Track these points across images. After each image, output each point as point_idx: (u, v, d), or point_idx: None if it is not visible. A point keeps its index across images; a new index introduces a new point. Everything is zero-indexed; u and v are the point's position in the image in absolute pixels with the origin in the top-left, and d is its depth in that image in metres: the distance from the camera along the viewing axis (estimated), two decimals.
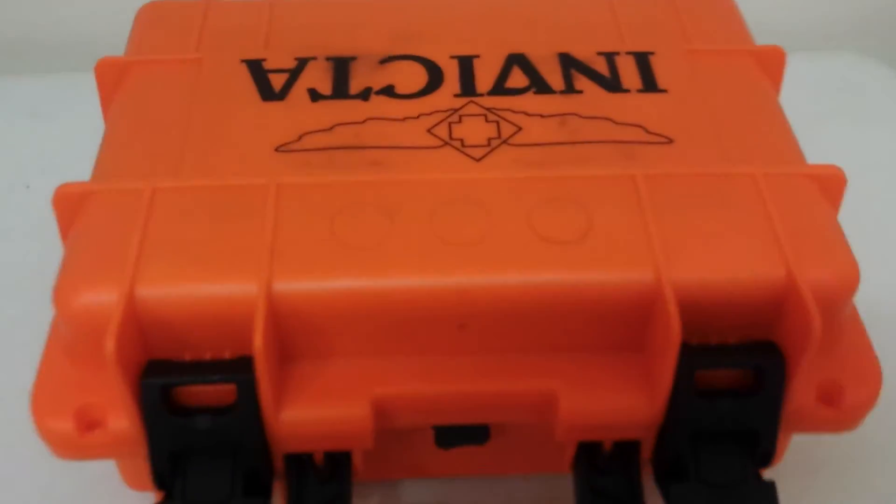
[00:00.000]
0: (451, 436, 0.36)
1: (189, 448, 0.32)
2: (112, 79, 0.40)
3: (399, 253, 0.33)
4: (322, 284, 0.32)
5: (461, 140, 0.37)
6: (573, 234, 0.34)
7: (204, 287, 0.32)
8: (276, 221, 0.34)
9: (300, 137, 0.37)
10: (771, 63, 0.42)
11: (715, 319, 0.34)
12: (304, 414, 0.33)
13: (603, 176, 0.36)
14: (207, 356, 0.33)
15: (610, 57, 0.41)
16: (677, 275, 0.33)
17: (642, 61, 0.41)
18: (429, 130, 0.37)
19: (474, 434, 0.36)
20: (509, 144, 0.37)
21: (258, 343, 0.31)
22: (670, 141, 0.37)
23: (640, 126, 0.38)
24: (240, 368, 0.32)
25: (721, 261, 0.33)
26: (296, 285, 0.32)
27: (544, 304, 0.33)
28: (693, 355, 0.32)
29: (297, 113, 0.38)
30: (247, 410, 0.32)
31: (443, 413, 0.34)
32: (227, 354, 0.33)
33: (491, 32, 0.42)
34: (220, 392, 0.32)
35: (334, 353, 0.34)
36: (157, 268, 0.32)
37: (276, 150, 0.36)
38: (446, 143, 0.37)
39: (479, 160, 0.36)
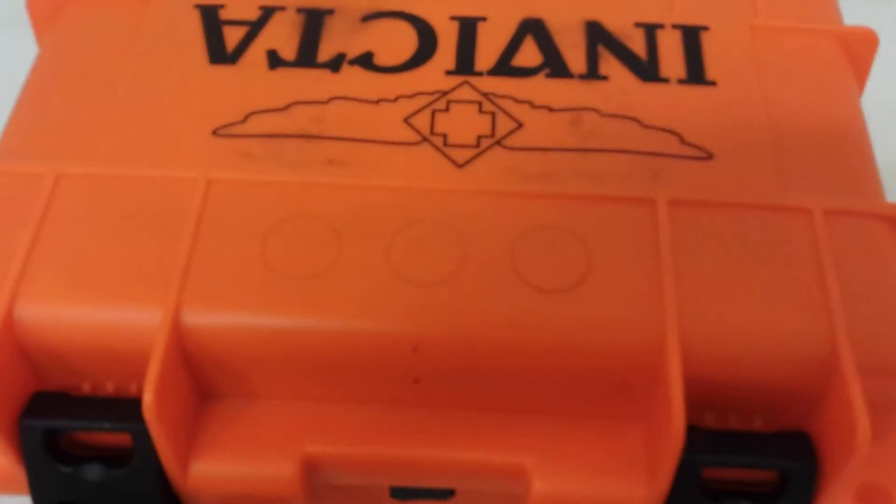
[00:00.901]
0: (409, 493, 0.30)
1: (79, 501, 0.28)
2: (46, 16, 0.34)
3: (343, 288, 0.27)
4: (242, 320, 0.26)
5: (444, 136, 0.30)
6: (565, 280, 0.27)
7: (98, 311, 0.26)
8: (197, 233, 0.27)
9: (246, 118, 0.30)
10: (859, 49, 0.33)
11: (734, 399, 0.27)
12: (219, 469, 0.27)
13: (616, 199, 0.28)
14: (109, 388, 0.28)
15: (650, 31, 0.33)
16: (690, 340, 0.26)
17: (691, 39, 0.33)
18: (406, 120, 0.30)
19: (436, 493, 0.30)
20: (504, 146, 0.30)
21: (148, 399, 0.25)
22: (709, 156, 0.30)
23: (673, 133, 0.30)
24: (135, 413, 0.27)
25: (748, 327, 0.26)
26: (209, 318, 0.26)
27: (520, 364, 0.27)
28: (700, 446, 0.26)
29: (248, 83, 0.31)
30: (144, 462, 0.27)
31: (392, 476, 0.29)
32: (133, 388, 0.28)
33: None
34: (115, 436, 0.27)
35: (261, 394, 0.28)
36: (44, 282, 0.27)
37: (215, 132, 0.30)
38: (425, 140, 0.30)
39: (461, 166, 0.29)
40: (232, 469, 0.27)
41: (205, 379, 0.28)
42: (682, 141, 0.30)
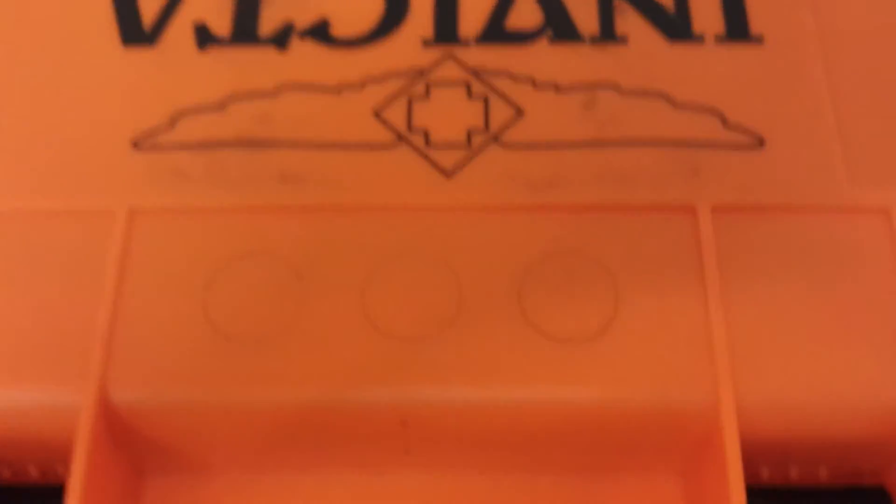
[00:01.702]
0: None
1: None
2: None
3: (309, 352, 0.21)
4: (183, 396, 0.21)
5: (425, 133, 0.24)
6: (588, 325, 0.22)
7: (6, 394, 0.21)
8: (119, 286, 0.22)
9: (174, 121, 0.24)
10: None
11: (796, 452, 0.23)
12: None
13: (647, 208, 0.23)
14: (33, 473, 0.23)
15: None
16: (746, 393, 0.21)
17: None
18: (377, 113, 0.25)
19: None
20: (501, 144, 0.24)
21: (74, 482, 0.20)
22: (759, 143, 0.24)
23: (713, 112, 0.24)
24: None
25: (819, 371, 0.21)
26: (142, 395, 0.21)
27: (535, 428, 0.22)
28: None
29: (173, 70, 0.25)
30: None
31: None
32: (61, 470, 0.23)
33: None
34: None
35: (213, 469, 0.24)
36: None
37: (136, 144, 0.24)
38: (402, 139, 0.24)
39: (450, 174, 0.24)
40: None
41: (143, 457, 0.23)
42: (725, 123, 0.24)
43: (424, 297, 0.22)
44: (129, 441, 0.22)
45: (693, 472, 0.23)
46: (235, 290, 0.22)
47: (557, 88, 0.24)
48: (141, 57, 0.25)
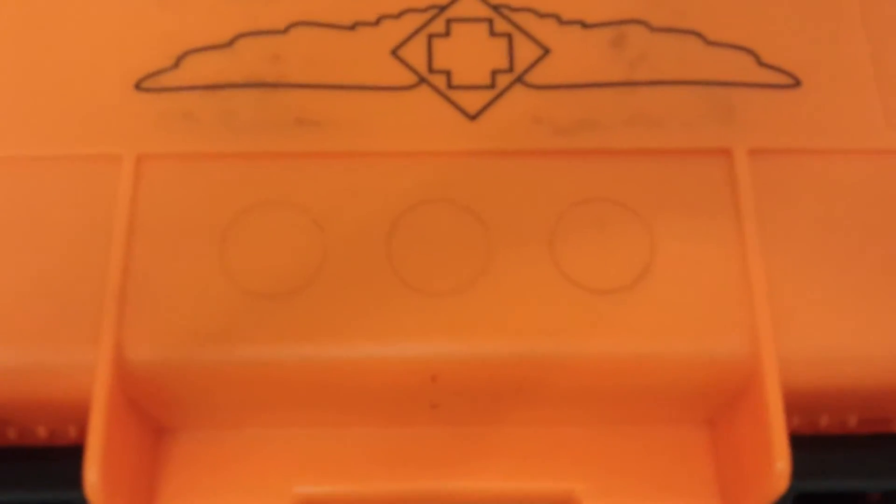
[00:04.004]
0: None
1: None
2: None
3: (333, 306, 0.21)
4: (202, 355, 0.20)
5: (447, 73, 0.23)
6: (623, 274, 0.21)
7: (12, 356, 0.21)
8: (130, 237, 0.21)
9: (178, 61, 0.23)
10: None
11: (833, 403, 0.22)
12: None
13: (680, 152, 0.23)
14: (41, 433, 0.23)
15: None
16: (787, 343, 0.21)
17: None
18: (394, 52, 0.24)
19: None
20: (527, 84, 0.23)
21: (92, 478, 0.19)
22: (795, 83, 0.23)
23: (747, 50, 0.24)
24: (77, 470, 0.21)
25: (862, 318, 0.21)
26: (158, 354, 0.20)
27: (567, 382, 0.22)
28: (806, 467, 0.21)
29: (176, 9, 0.23)
30: None
31: None
32: (71, 432, 0.23)
33: None
34: None
35: (235, 425, 0.23)
36: None
37: (139, 86, 0.23)
38: (422, 81, 0.23)
39: (474, 117, 0.23)
40: None
41: (162, 416, 0.22)
42: (759, 62, 0.24)
43: (452, 247, 0.21)
44: (146, 399, 0.21)
45: (724, 422, 0.23)
46: (254, 242, 0.21)
47: (584, 25, 0.24)
48: None
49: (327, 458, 0.23)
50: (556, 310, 0.21)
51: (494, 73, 0.23)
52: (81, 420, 0.21)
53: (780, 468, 0.20)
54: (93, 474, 0.19)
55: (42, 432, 0.23)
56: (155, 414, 0.22)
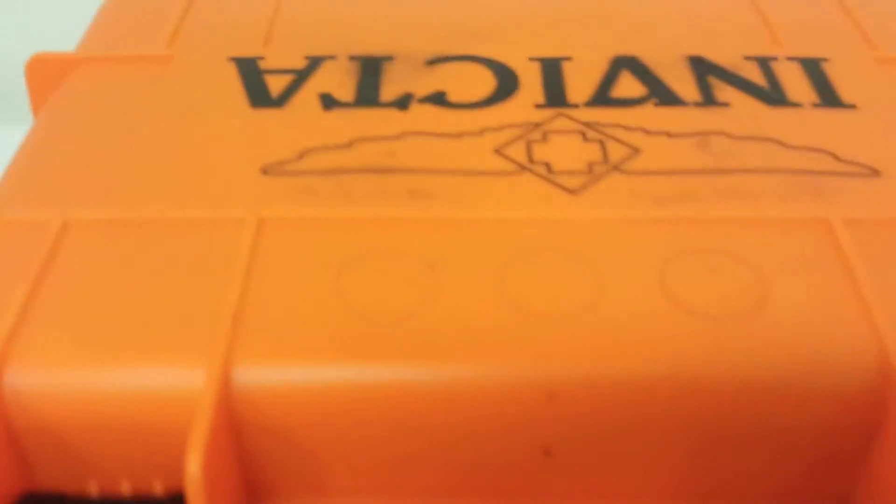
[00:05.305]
0: None
1: None
2: (48, 80, 0.30)
3: (448, 327, 0.21)
4: (314, 374, 0.20)
5: (547, 164, 0.26)
6: (738, 304, 0.22)
7: (113, 375, 0.20)
8: (249, 274, 0.22)
9: (301, 156, 0.26)
10: None
11: None
12: None
13: (779, 220, 0.24)
14: (125, 488, 0.21)
15: (764, 62, 0.29)
16: None
17: (813, 69, 0.29)
18: (497, 151, 0.26)
19: None
20: (622, 171, 0.25)
21: (194, 468, 0.19)
22: (875, 173, 0.25)
23: (825, 151, 0.26)
24: None
25: None
26: (269, 374, 0.20)
27: (690, 415, 0.21)
28: None
29: (299, 123, 0.27)
30: None
31: None
32: (157, 486, 0.21)
33: (587, 32, 0.31)
34: None
35: (331, 489, 0.22)
36: (43, 340, 0.21)
37: (264, 171, 0.25)
38: (524, 168, 0.26)
39: (574, 192, 0.25)
40: None
41: (256, 466, 0.21)
42: (838, 159, 0.26)
43: (563, 282, 0.22)
44: (249, 442, 0.20)
45: (860, 496, 0.21)
46: (369, 279, 0.22)
47: (669, 135, 0.26)
48: (268, 116, 0.27)
49: None
50: (670, 334, 0.21)
51: (591, 164, 0.25)
52: (171, 470, 0.20)
53: None
54: (195, 463, 0.18)
55: (125, 486, 0.21)
56: (248, 466, 0.21)
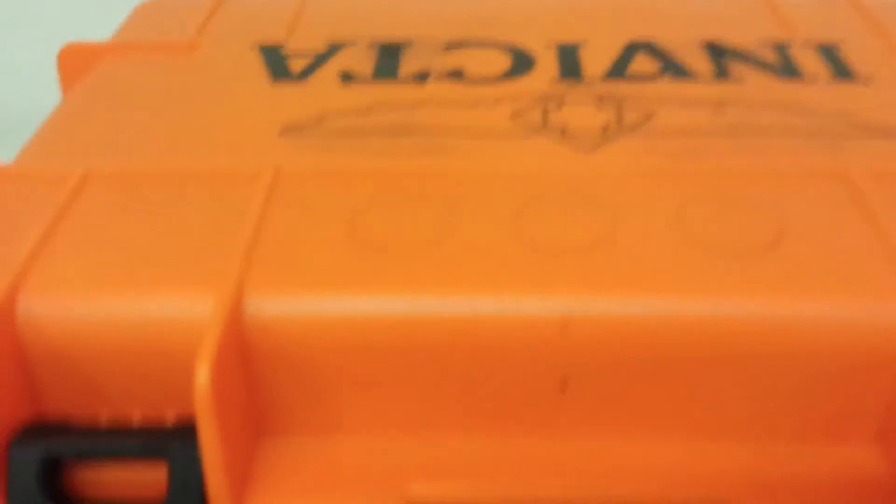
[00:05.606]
0: None
1: None
2: (78, 67, 0.31)
3: (463, 258, 0.21)
4: (324, 305, 0.20)
5: (562, 129, 0.26)
6: (755, 241, 0.22)
7: (127, 302, 0.20)
8: (264, 216, 0.22)
9: (320, 119, 0.26)
10: None
11: None
12: None
13: (797, 172, 0.23)
14: (135, 416, 0.21)
15: (779, 47, 0.30)
16: None
17: (827, 51, 0.29)
18: (514, 117, 0.27)
19: None
20: (637, 134, 0.25)
21: (203, 378, 0.18)
22: (893, 134, 0.25)
23: (843, 115, 0.26)
24: (178, 439, 0.20)
25: None
26: (279, 304, 0.20)
27: (705, 350, 0.20)
28: None
29: (319, 94, 0.27)
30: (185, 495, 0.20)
31: None
32: (168, 414, 0.21)
33: (604, 20, 0.32)
34: (142, 480, 0.20)
35: (342, 424, 0.21)
36: (57, 269, 0.21)
37: (283, 133, 0.26)
38: (539, 132, 0.26)
39: (590, 151, 0.25)
40: None
41: (268, 398, 0.21)
42: (855, 123, 0.26)
43: (579, 221, 0.22)
44: (258, 373, 0.20)
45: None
46: (384, 218, 0.22)
47: (685, 104, 0.26)
48: (288, 88, 0.28)
49: (441, 467, 0.21)
50: (685, 267, 0.20)
51: (605, 127, 0.25)
52: (183, 398, 0.20)
53: None
54: (204, 374, 0.18)
55: (136, 414, 0.21)
56: (258, 398, 0.21)
